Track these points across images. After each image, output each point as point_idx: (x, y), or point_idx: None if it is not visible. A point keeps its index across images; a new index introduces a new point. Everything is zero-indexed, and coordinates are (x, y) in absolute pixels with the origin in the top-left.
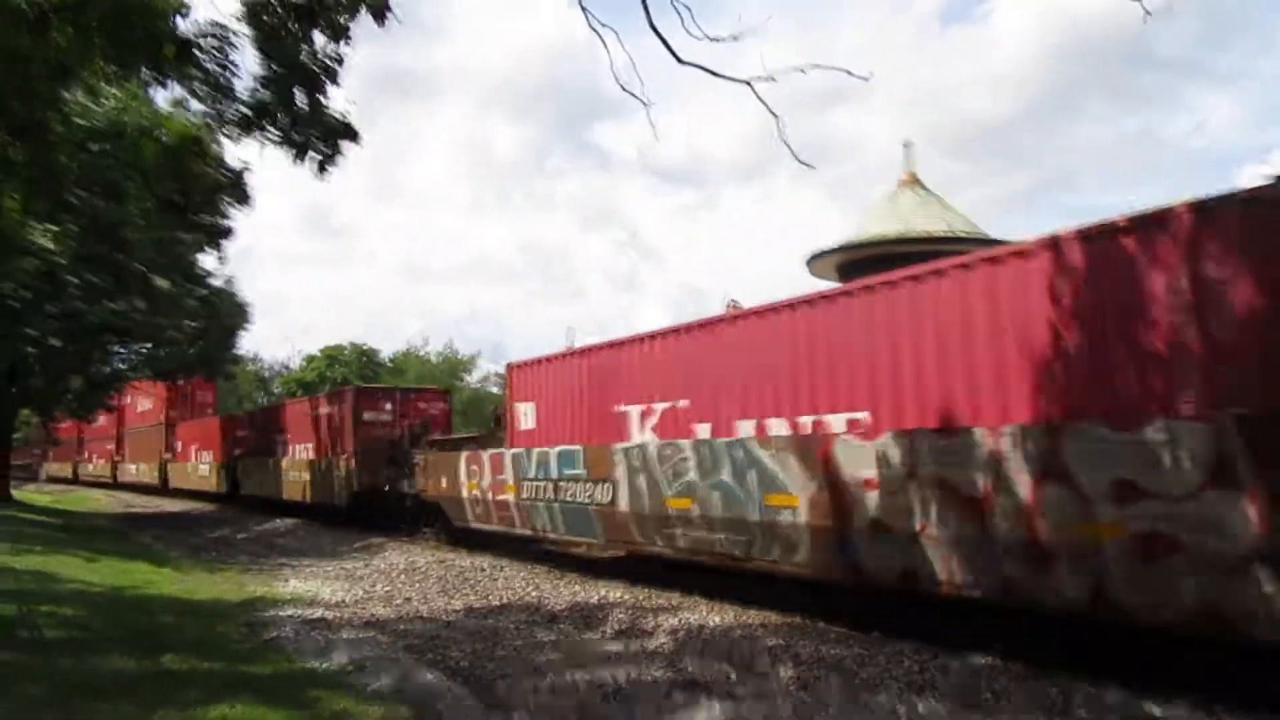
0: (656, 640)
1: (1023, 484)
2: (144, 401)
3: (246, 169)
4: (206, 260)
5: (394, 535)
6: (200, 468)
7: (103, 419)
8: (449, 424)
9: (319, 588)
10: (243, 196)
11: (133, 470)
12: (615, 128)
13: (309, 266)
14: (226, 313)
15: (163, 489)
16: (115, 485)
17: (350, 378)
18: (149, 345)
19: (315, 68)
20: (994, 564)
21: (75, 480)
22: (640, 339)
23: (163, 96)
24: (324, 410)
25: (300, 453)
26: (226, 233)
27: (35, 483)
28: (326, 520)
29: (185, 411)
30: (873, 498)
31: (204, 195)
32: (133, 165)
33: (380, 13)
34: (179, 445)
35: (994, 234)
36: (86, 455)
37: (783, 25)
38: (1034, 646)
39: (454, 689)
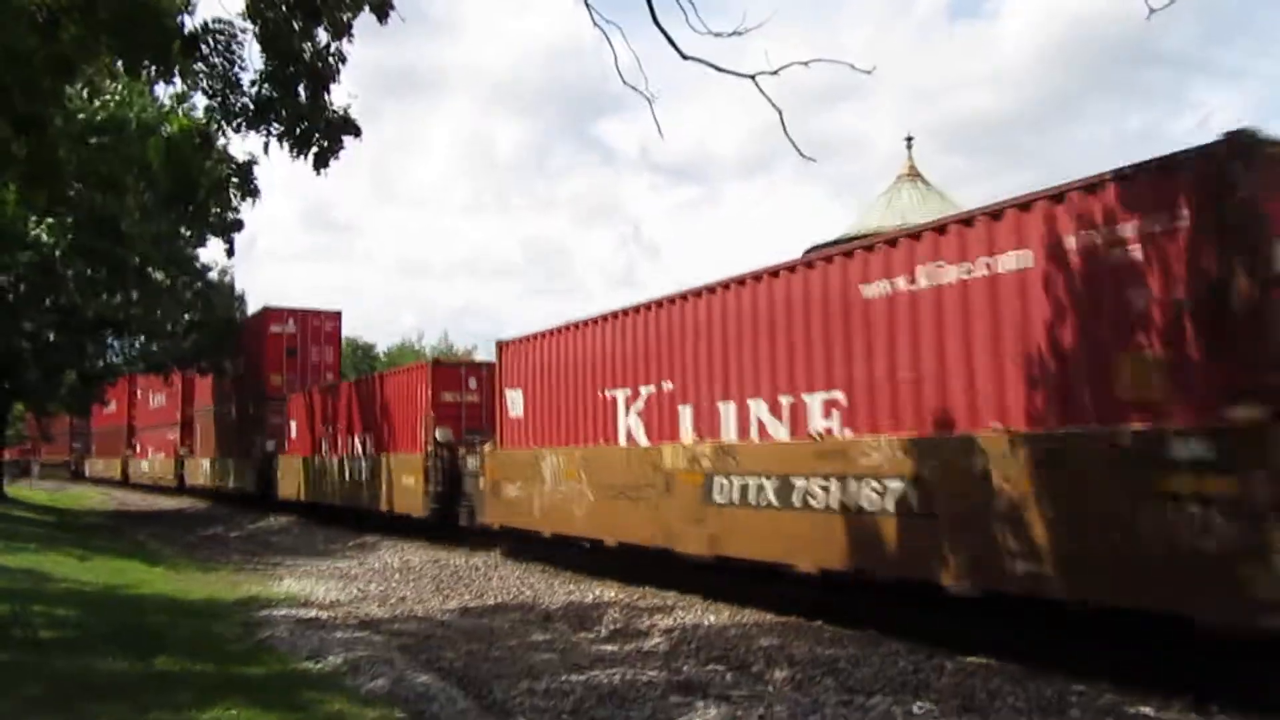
0: (651, 640)
1: None
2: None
3: (253, 161)
4: (211, 253)
5: (388, 534)
6: (356, 467)
7: (163, 396)
8: None
9: (313, 587)
10: (250, 189)
11: (207, 468)
12: (619, 124)
13: (308, 263)
14: (223, 305)
15: (263, 499)
16: (183, 489)
17: (345, 374)
18: (144, 338)
19: (318, 64)
20: None
21: (125, 481)
22: None
23: (164, 90)
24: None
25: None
26: (236, 225)
27: (28, 479)
28: (320, 517)
29: (291, 378)
30: None
31: (210, 189)
32: (132, 159)
33: (382, 10)
34: (292, 428)
35: None
36: (139, 449)
37: (787, 21)
38: (1030, 647)
39: (448, 690)
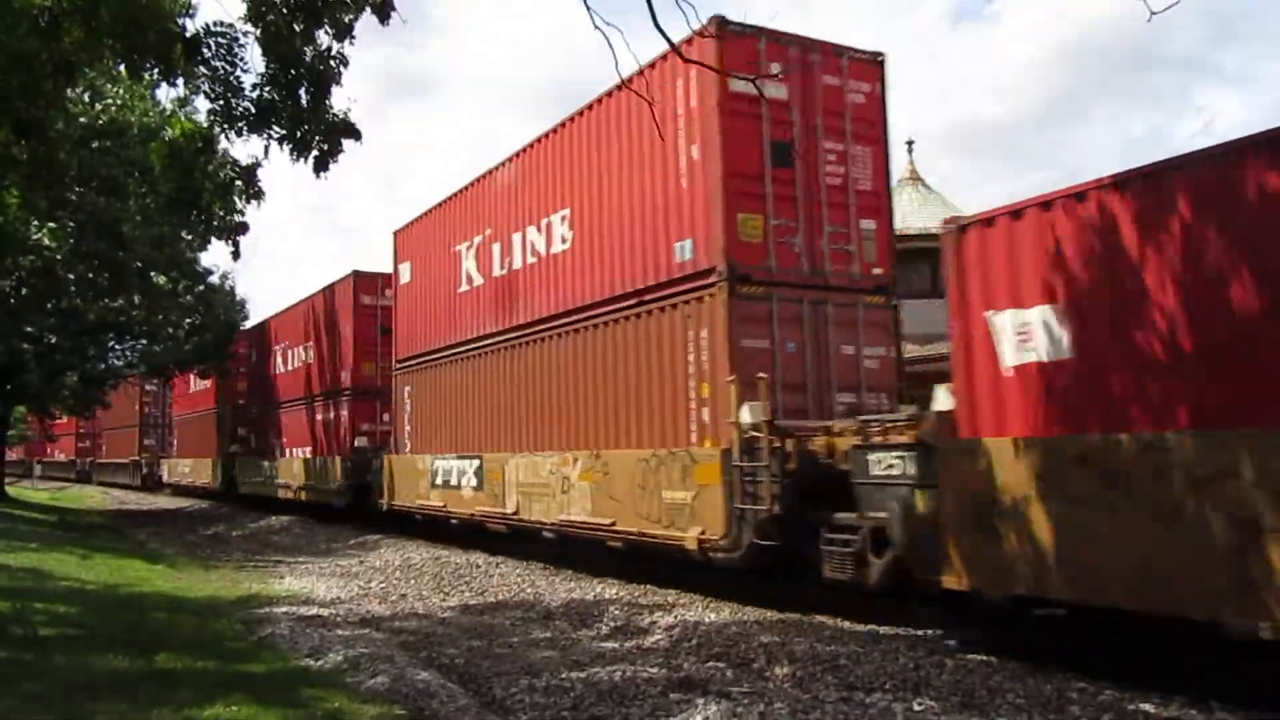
0: (652, 638)
1: None
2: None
3: (257, 164)
4: (214, 256)
5: (389, 532)
6: None
7: (301, 349)
8: None
9: (314, 585)
10: (255, 192)
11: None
12: None
13: (315, 267)
14: (224, 308)
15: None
16: (362, 513)
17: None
18: (145, 341)
19: (319, 66)
20: None
21: (229, 490)
22: None
23: (166, 94)
24: None
25: None
26: (240, 228)
27: (30, 479)
28: (321, 516)
29: (786, 228)
30: None
31: (213, 193)
32: (134, 163)
33: (383, 11)
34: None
35: None
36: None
37: (790, 23)
38: (1030, 644)
39: (449, 687)
